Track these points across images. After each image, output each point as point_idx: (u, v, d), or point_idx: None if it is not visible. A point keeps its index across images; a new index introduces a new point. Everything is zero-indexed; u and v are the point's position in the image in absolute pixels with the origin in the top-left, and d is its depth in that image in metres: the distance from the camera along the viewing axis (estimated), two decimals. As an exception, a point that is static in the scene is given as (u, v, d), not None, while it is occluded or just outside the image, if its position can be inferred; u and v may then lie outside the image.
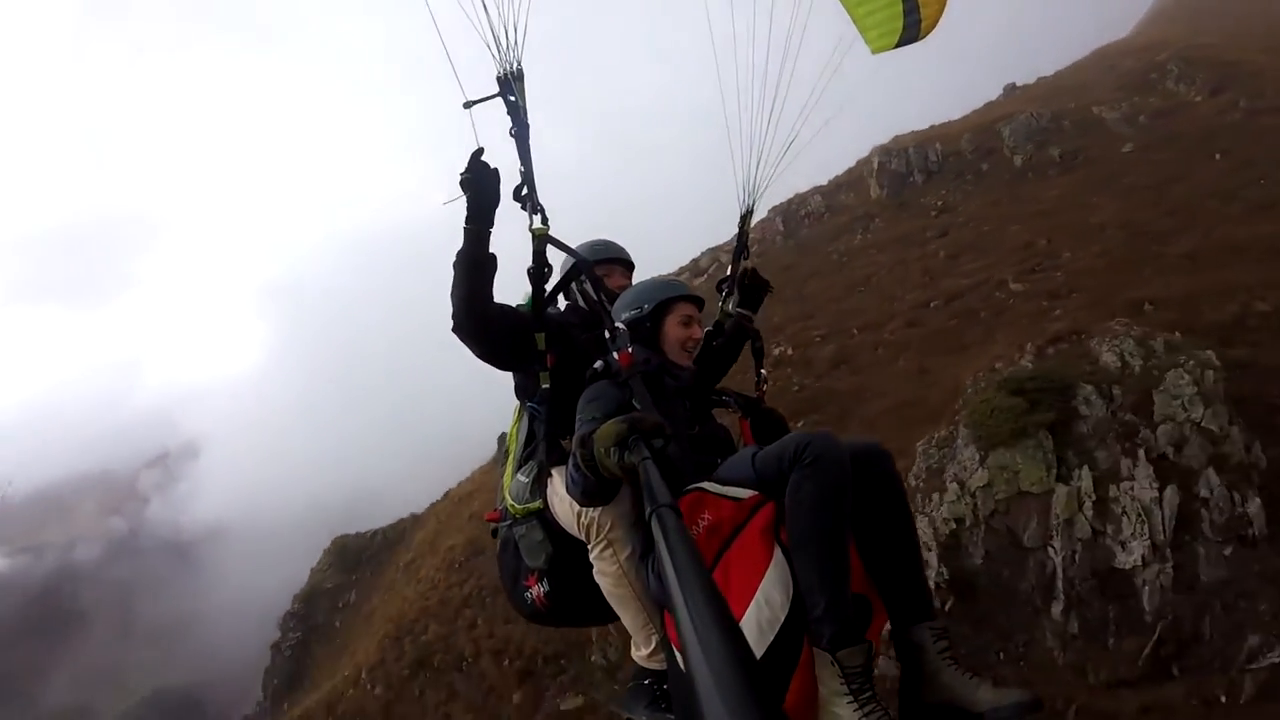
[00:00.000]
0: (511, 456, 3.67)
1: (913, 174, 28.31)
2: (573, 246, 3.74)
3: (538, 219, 3.41)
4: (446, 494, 29.32)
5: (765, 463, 2.83)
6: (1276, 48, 27.70)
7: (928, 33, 4.86)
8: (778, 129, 4.12)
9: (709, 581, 1.26)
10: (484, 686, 14.98)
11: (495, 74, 3.39)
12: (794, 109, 4.12)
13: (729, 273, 4.42)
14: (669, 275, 3.87)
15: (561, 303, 3.92)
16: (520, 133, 3.40)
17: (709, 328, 4.11)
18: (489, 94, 3.39)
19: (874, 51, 4.88)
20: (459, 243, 3.34)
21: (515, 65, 3.39)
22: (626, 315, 3.58)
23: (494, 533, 3.68)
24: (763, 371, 4.06)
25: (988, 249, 20.88)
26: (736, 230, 4.53)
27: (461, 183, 3.25)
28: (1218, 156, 21.52)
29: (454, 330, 3.41)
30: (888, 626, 2.93)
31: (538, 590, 3.39)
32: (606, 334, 3.46)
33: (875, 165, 29.09)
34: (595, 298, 3.74)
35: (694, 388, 3.60)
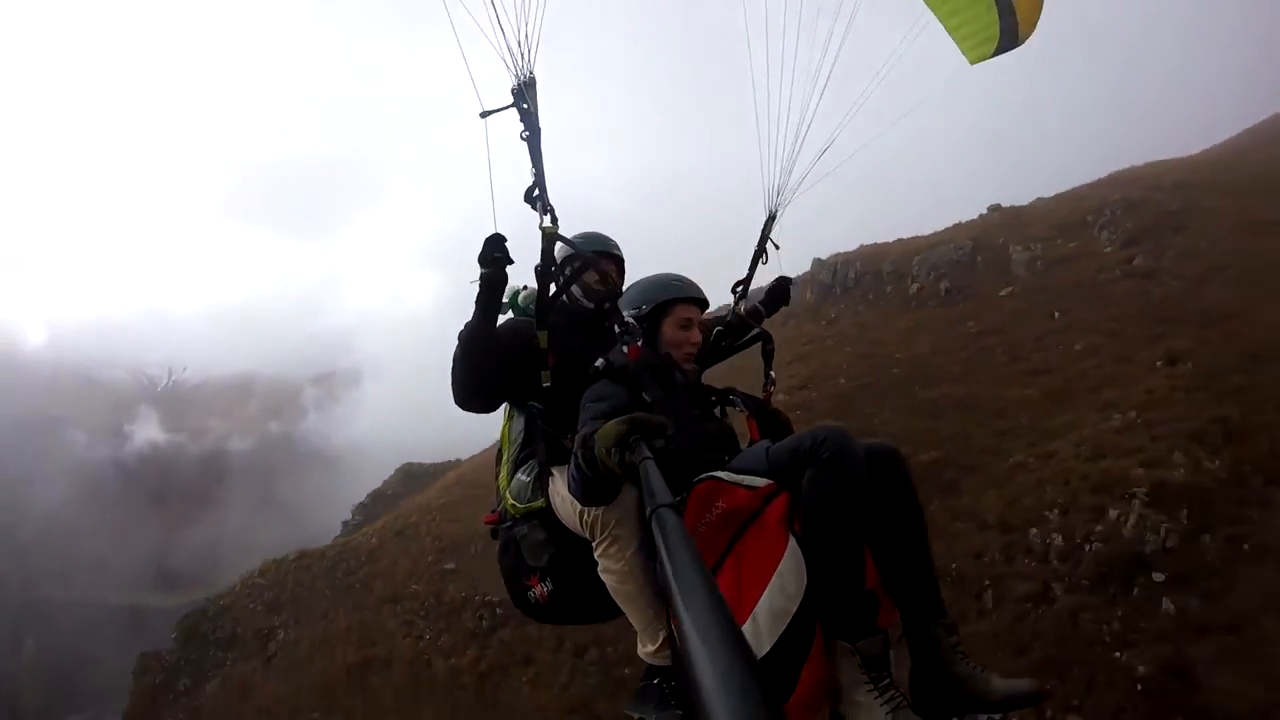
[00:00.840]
0: (506, 457, 3.79)
1: (835, 287, 32.48)
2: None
3: (547, 218, 3.57)
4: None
5: (780, 455, 3.00)
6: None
7: (1026, 36, 4.84)
8: (809, 136, 4.29)
9: (709, 582, 1.33)
10: (421, 552, 25.46)
11: (510, 85, 3.58)
12: (831, 121, 4.25)
13: (747, 274, 4.68)
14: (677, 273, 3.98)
15: None
16: (532, 137, 3.58)
17: (719, 327, 4.34)
18: (504, 104, 3.59)
19: (972, 62, 4.89)
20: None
21: (529, 74, 3.57)
22: (627, 313, 3.74)
23: (493, 534, 3.81)
24: (771, 374, 4.16)
25: (809, 364, 26.15)
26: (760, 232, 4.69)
27: (483, 263, 3.51)
28: (1056, 315, 24.26)
29: (459, 406, 3.68)
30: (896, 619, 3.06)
31: (540, 589, 3.53)
32: (615, 328, 3.65)
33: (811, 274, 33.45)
34: (602, 289, 3.92)
35: (700, 385, 3.77)
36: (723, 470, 3.10)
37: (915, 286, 30.52)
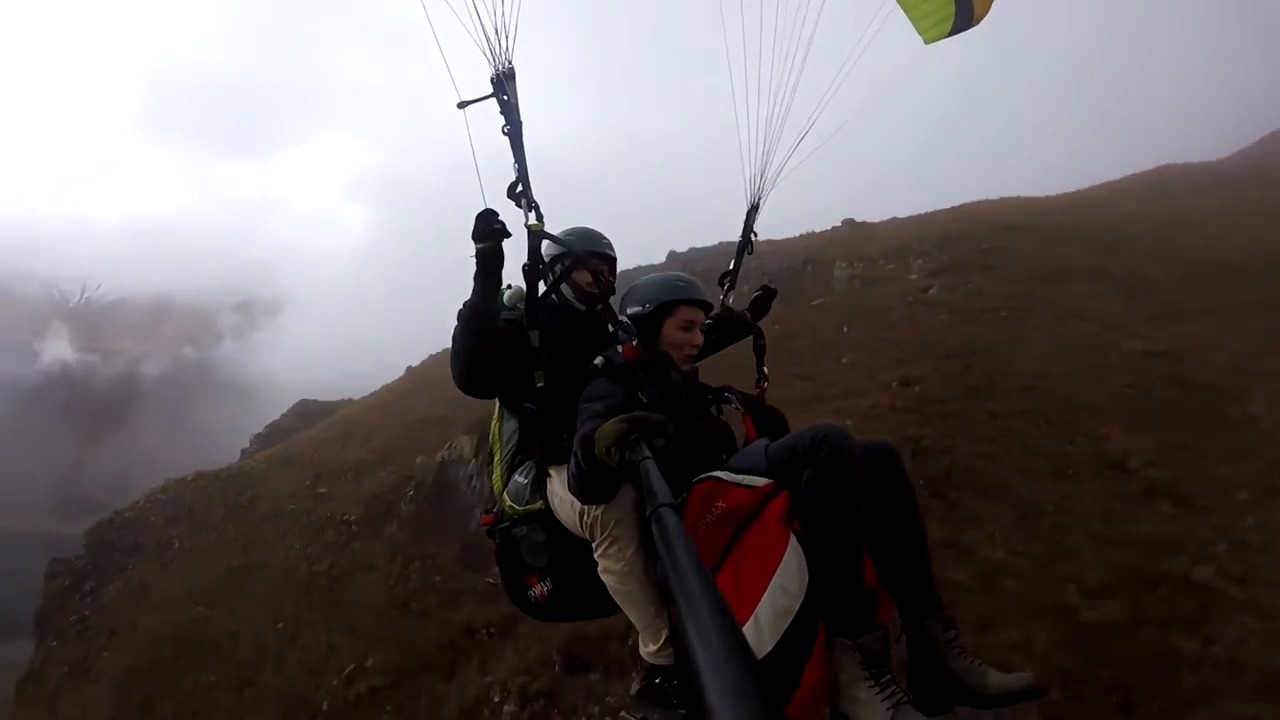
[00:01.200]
0: (498, 459, 3.80)
1: (681, 281, 35.20)
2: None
3: (532, 215, 3.63)
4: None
5: (779, 454, 3.07)
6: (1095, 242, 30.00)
7: (981, 17, 4.91)
8: (787, 123, 4.27)
9: (710, 582, 1.38)
10: (301, 478, 29.89)
11: (490, 75, 3.61)
12: (808, 105, 4.25)
13: (732, 266, 4.82)
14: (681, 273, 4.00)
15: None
16: (514, 131, 3.63)
17: (709, 320, 4.25)
18: (482, 95, 3.62)
19: (927, 41, 4.94)
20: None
21: (507, 65, 3.59)
22: (630, 311, 3.83)
23: (489, 534, 3.88)
24: (764, 369, 4.34)
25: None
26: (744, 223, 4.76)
27: (475, 236, 3.55)
28: (845, 329, 25.84)
29: (461, 388, 3.70)
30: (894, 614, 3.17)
31: (540, 589, 3.61)
32: (610, 327, 3.80)
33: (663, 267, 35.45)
34: (594, 290, 4.02)
35: (697, 384, 3.82)
36: (722, 470, 3.12)
37: (745, 288, 32.70)
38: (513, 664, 15.70)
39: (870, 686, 2.75)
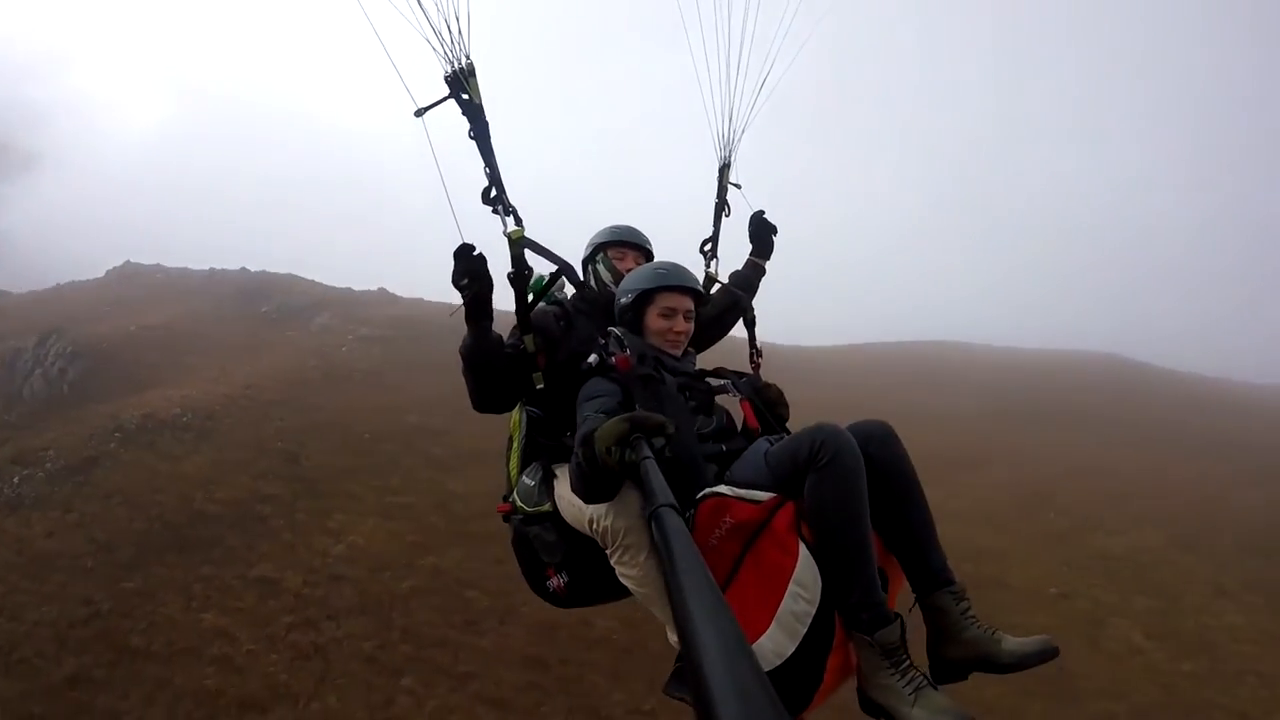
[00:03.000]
0: (515, 447, 3.91)
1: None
2: (549, 248, 3.84)
3: (510, 221, 3.54)
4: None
5: (779, 464, 3.12)
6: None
7: None
8: (747, 74, 4.23)
9: (709, 580, 1.44)
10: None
11: (444, 74, 3.37)
12: (760, 52, 4.23)
13: (712, 232, 4.67)
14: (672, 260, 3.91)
15: (569, 289, 4.21)
16: (480, 132, 3.46)
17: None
18: (439, 98, 3.39)
19: None
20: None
21: (465, 60, 3.38)
22: (618, 305, 3.82)
23: (505, 519, 3.89)
24: (757, 344, 4.30)
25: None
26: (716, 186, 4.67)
27: (458, 286, 3.48)
28: None
29: (478, 411, 3.87)
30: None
31: (557, 581, 3.69)
32: (599, 338, 3.77)
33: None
34: (598, 285, 4.13)
35: (693, 375, 3.75)
36: (726, 484, 3.18)
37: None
38: (44, 439, 24.08)
39: (891, 674, 2.86)
